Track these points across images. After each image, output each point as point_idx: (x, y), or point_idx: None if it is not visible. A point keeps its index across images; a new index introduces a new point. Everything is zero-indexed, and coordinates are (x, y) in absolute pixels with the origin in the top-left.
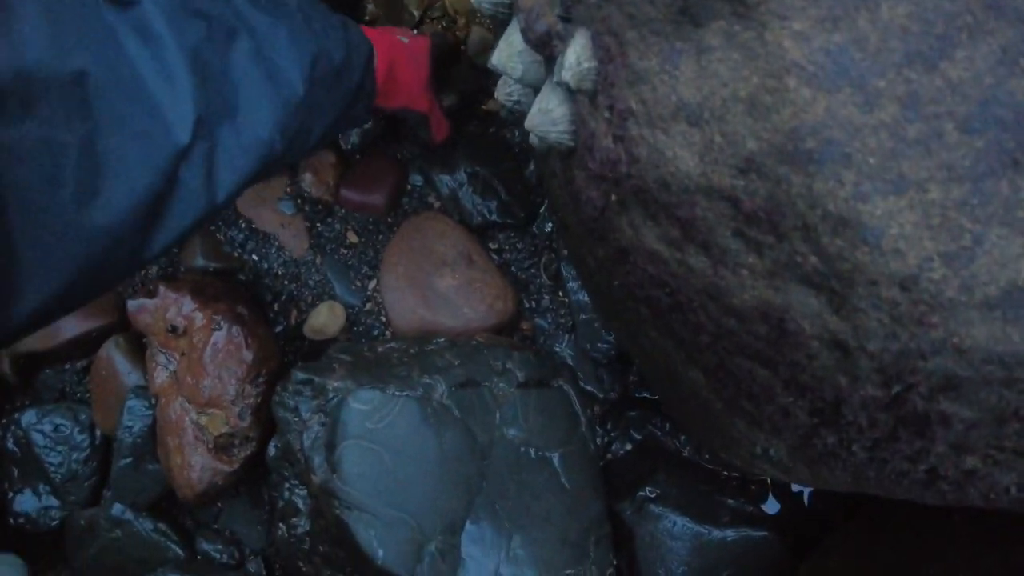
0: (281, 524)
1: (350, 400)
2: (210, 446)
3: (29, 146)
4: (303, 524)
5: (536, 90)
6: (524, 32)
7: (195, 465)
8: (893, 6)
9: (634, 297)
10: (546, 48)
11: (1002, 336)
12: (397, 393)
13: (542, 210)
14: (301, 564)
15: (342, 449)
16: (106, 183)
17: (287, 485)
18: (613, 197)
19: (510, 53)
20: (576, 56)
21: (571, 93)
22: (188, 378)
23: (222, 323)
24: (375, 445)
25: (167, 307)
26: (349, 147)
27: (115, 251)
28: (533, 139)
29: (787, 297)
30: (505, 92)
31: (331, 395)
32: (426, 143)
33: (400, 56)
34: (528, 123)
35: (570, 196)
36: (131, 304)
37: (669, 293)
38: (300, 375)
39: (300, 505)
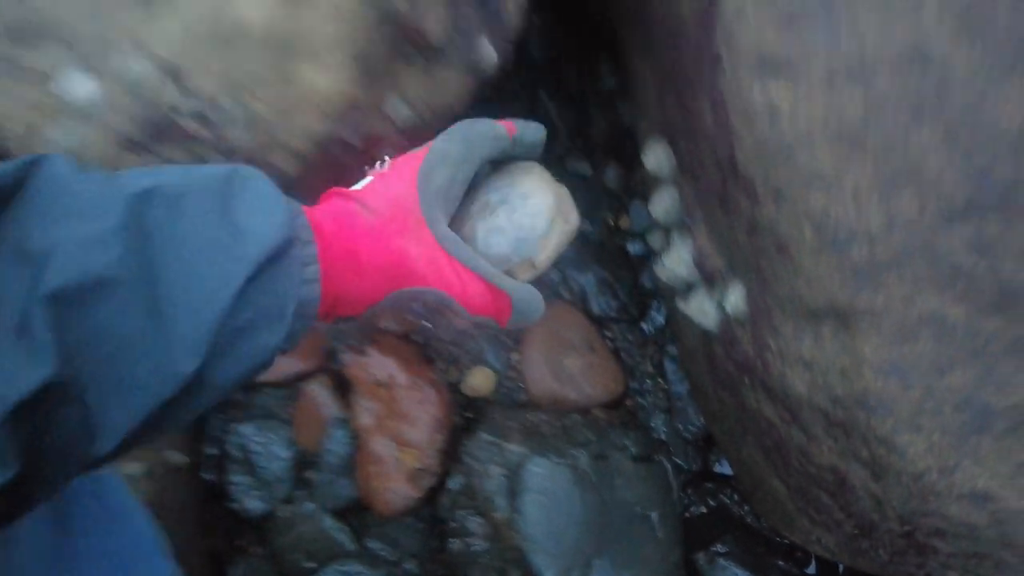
0: (455, 540)
1: (529, 464)
2: (405, 477)
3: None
4: (479, 544)
5: (688, 283)
6: (696, 261)
7: (392, 490)
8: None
9: (745, 428)
10: (709, 277)
11: (967, 514)
12: (558, 461)
13: (650, 311)
14: (470, 572)
15: (523, 497)
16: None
17: (462, 512)
18: (746, 379)
19: (680, 258)
20: (735, 301)
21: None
22: (389, 422)
23: (420, 384)
24: (544, 497)
25: (374, 364)
26: None
27: None
28: (681, 308)
29: (848, 466)
30: (664, 272)
31: (510, 455)
32: None
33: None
34: (686, 310)
35: (705, 355)
36: (345, 358)
37: (774, 441)
38: (487, 436)
39: (474, 529)
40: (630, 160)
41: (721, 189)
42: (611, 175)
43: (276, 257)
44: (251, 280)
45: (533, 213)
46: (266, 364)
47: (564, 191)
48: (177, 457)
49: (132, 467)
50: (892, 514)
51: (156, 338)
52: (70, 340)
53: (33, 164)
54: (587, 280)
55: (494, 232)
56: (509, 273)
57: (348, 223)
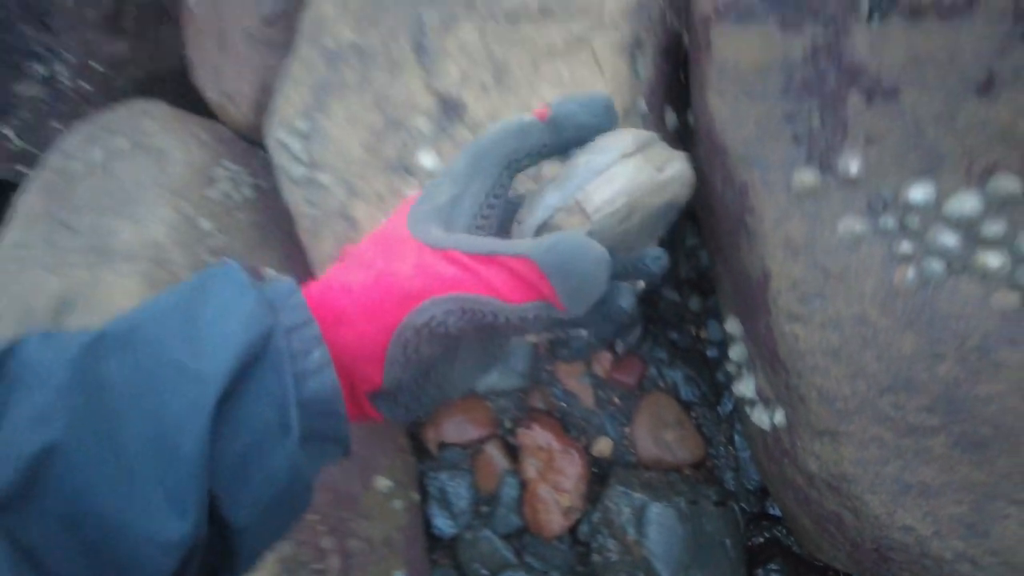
0: (596, 555)
1: (651, 506)
2: (560, 513)
3: None
4: (614, 556)
5: (752, 400)
6: (757, 390)
7: (552, 521)
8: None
9: (787, 486)
10: (765, 401)
11: (903, 538)
12: (667, 505)
13: (723, 399)
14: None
15: (647, 527)
16: None
17: (600, 536)
18: (785, 460)
19: (747, 386)
20: (780, 418)
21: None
22: (549, 474)
23: (569, 449)
24: (660, 527)
25: (536, 435)
26: (620, 351)
27: None
28: (747, 411)
29: (841, 511)
30: (737, 391)
31: (636, 500)
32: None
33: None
34: (751, 415)
35: (762, 442)
36: (520, 431)
37: (803, 496)
38: (620, 488)
39: (610, 547)
40: (707, 291)
41: (770, 360)
42: (694, 301)
43: (255, 359)
44: (227, 398)
45: (592, 150)
46: (299, 482)
47: (654, 138)
48: (415, 496)
49: (396, 503)
50: (867, 538)
51: (131, 508)
52: (37, 544)
53: (5, 353)
54: (677, 375)
55: (544, 191)
56: (549, 227)
57: (320, 278)
